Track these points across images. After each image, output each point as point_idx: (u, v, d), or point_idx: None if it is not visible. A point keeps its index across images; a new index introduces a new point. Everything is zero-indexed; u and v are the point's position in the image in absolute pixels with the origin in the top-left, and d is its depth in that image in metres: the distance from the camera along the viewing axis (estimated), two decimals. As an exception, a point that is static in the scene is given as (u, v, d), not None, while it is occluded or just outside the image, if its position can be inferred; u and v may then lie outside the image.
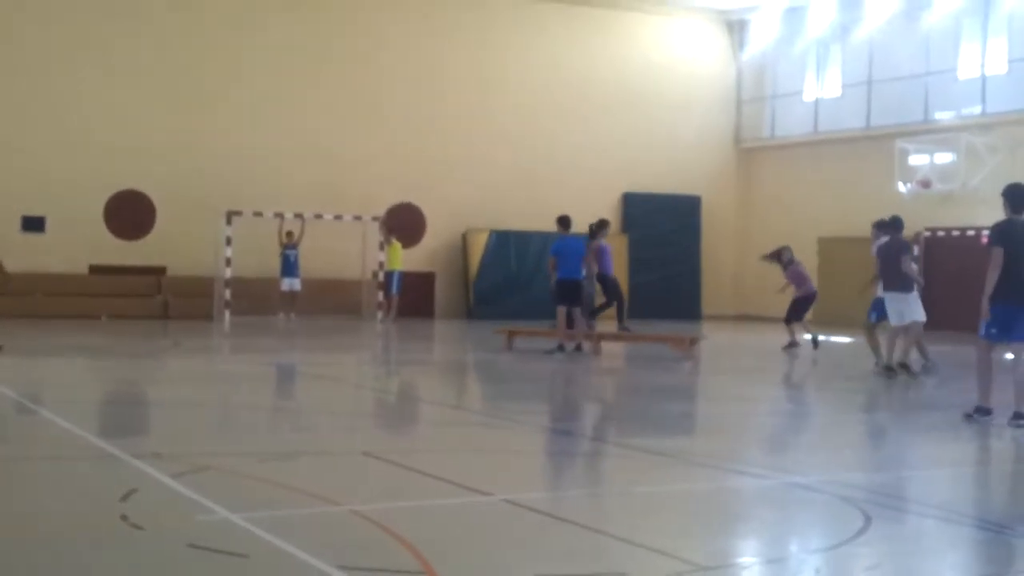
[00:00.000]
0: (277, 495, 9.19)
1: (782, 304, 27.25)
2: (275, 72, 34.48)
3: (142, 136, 32.65)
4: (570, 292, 22.53)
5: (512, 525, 8.38)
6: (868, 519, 8.49)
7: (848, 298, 36.17)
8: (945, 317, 33.64)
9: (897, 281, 18.93)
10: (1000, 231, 13.95)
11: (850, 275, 36.41)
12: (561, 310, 22.65)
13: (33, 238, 31.51)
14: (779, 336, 26.56)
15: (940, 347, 24.72)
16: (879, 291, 19.72)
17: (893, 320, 19.22)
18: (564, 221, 23.59)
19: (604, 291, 24.44)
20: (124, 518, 8.06)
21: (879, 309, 19.75)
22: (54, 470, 10.08)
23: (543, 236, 36.81)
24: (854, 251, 36.42)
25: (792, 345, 25.41)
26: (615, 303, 24.56)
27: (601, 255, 24.22)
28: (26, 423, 13.24)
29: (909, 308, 19.07)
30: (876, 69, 36.79)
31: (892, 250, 19.06)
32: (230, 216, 31.75)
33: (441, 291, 36.58)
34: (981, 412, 13.92)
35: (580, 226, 37.28)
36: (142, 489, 9.06)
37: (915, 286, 19.26)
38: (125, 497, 8.70)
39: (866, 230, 35.75)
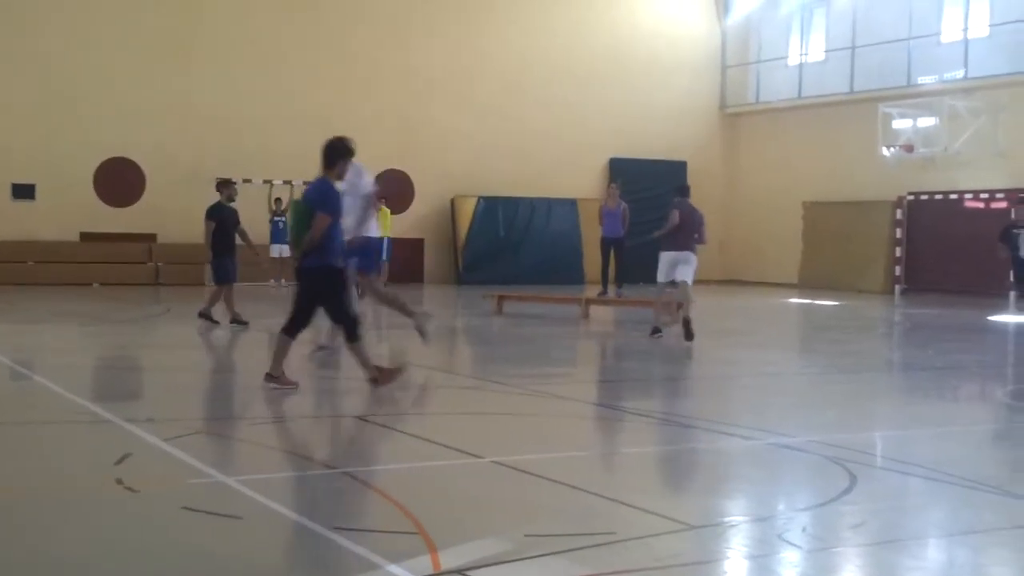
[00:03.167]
0: (270, 458, 9.29)
1: (765, 268, 27.13)
2: (265, 39, 34.39)
3: (131, 103, 32.57)
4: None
5: (502, 486, 8.47)
6: (854, 478, 8.61)
7: (832, 261, 36.45)
8: (928, 280, 33.93)
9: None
10: None
11: (834, 239, 36.65)
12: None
13: (23, 205, 31.50)
14: (765, 300, 26.69)
15: (928, 310, 24.84)
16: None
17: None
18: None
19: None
20: (119, 481, 8.14)
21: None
22: (48, 435, 10.17)
23: (531, 202, 36.92)
24: (838, 215, 36.62)
25: None
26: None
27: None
28: (20, 389, 13.32)
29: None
30: (859, 34, 36.83)
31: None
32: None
33: (430, 257, 36.65)
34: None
35: (572, 191, 37.48)
36: (136, 453, 9.14)
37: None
38: (119, 461, 8.78)
39: (850, 194, 36.12)
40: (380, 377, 12.51)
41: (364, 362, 12.51)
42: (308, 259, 12.29)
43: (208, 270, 21.93)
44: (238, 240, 20.44)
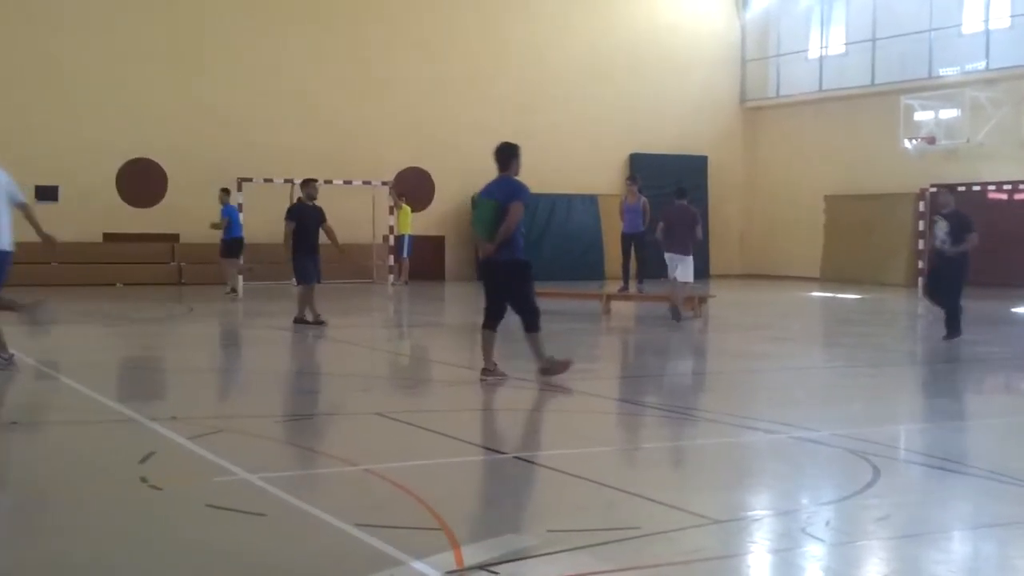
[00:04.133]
0: (293, 455, 9.32)
1: (786, 262, 27.07)
2: (283, 39, 34.44)
3: (152, 105, 32.66)
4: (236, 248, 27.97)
5: (525, 482, 8.48)
6: (877, 471, 8.58)
7: (854, 254, 36.36)
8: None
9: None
10: None
11: (856, 232, 36.57)
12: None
13: (47, 207, 31.43)
14: (787, 294, 26.65)
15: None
16: None
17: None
18: (227, 191, 28.10)
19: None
20: (143, 480, 8.18)
21: None
22: (74, 434, 10.21)
23: (551, 198, 36.88)
24: (860, 208, 36.52)
25: None
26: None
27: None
28: (45, 388, 13.37)
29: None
30: (880, 26, 36.74)
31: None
32: (240, 183, 31.77)
33: (451, 254, 36.68)
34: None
35: (592, 187, 37.40)
36: (160, 451, 9.18)
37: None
38: (144, 459, 8.82)
39: (872, 187, 36.00)
40: (551, 368, 13.31)
41: (538, 352, 13.37)
42: (500, 253, 13.16)
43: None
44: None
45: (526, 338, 13.39)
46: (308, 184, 20.58)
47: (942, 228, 18.37)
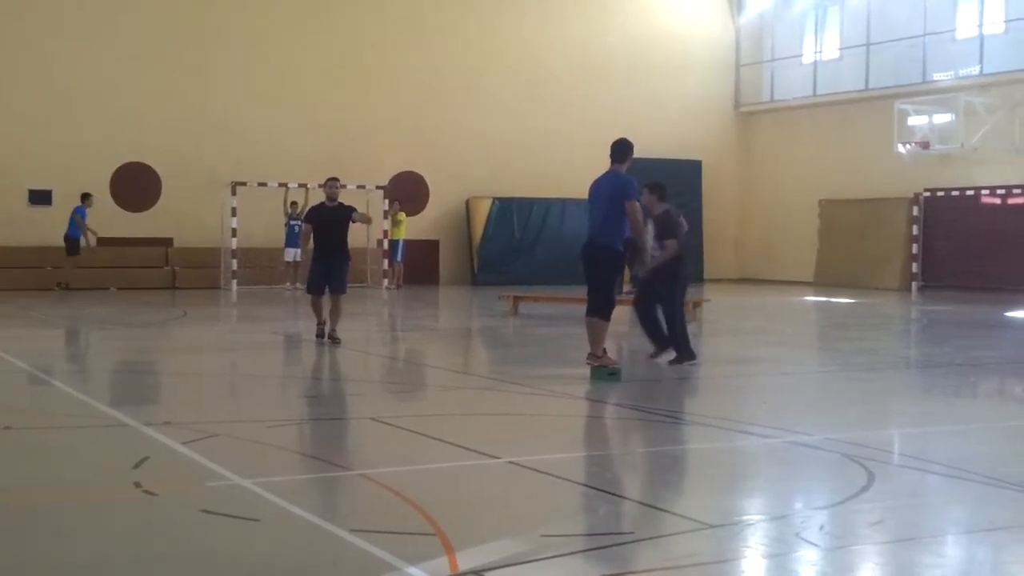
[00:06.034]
0: (287, 460, 9.31)
1: (781, 266, 27.08)
2: (278, 43, 34.44)
3: (146, 108, 32.64)
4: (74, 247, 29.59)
5: (519, 487, 8.47)
6: (872, 476, 8.58)
7: (848, 259, 36.40)
8: (945, 276, 33.86)
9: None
10: None
11: (850, 236, 36.60)
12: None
13: (40, 211, 31.55)
14: (781, 298, 26.62)
15: (946, 306, 24.75)
16: None
17: None
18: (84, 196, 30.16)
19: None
20: (137, 485, 8.17)
21: None
22: (67, 439, 10.19)
23: (545, 202, 36.90)
24: (854, 212, 36.56)
25: None
26: None
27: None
28: (38, 393, 13.35)
29: None
30: (874, 31, 36.79)
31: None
32: (235, 187, 31.79)
33: (445, 258, 36.69)
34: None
35: (586, 191, 37.34)
36: (154, 456, 9.15)
37: None
38: (138, 464, 8.80)
39: (866, 191, 36.04)
40: (600, 359, 13.94)
41: (595, 340, 13.96)
42: (602, 237, 13.89)
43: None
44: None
45: (586, 320, 14.21)
46: (326, 183, 18.56)
47: (651, 234, 15.50)
